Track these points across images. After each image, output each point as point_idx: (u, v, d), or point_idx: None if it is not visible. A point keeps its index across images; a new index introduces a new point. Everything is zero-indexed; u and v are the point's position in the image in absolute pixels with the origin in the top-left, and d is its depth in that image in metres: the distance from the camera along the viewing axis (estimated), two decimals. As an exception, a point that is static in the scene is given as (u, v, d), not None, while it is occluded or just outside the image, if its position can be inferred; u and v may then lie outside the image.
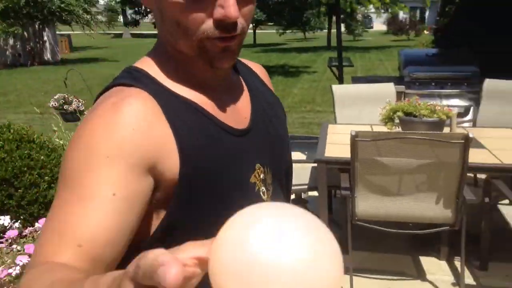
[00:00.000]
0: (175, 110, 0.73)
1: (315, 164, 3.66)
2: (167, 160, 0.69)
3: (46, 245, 0.61)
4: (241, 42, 0.75)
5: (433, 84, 4.93)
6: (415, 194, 2.51)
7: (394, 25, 28.39)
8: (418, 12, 35.26)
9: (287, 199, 0.96)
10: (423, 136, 2.39)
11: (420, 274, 2.85)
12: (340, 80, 4.59)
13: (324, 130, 3.39)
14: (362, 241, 2.68)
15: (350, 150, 2.44)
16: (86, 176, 0.63)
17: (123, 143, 0.65)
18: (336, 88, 3.92)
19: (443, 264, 2.96)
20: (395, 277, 2.81)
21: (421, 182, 2.48)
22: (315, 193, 3.85)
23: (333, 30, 25.26)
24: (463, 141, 2.31)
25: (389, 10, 21.98)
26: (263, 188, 0.83)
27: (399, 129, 2.99)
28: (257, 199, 0.81)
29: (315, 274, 0.36)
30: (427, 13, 37.06)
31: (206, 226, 0.55)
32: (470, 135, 2.28)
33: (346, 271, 2.75)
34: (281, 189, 0.90)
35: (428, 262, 2.97)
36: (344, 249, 2.87)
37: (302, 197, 3.40)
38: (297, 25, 24.73)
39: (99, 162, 0.64)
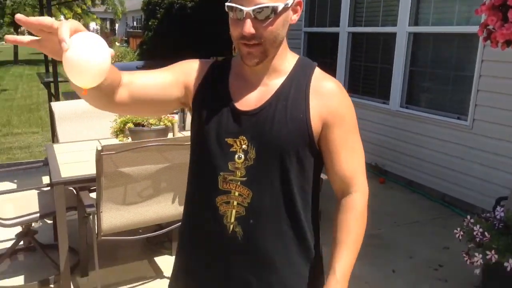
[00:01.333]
0: (213, 78, 1.23)
1: (40, 190, 3.52)
2: (193, 88, 1.23)
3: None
4: (262, 51, 1.11)
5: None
6: (156, 197, 2.74)
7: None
8: (108, 24, 35.81)
9: (273, 177, 1.15)
10: (166, 142, 2.65)
11: (158, 273, 3.10)
12: (57, 97, 4.40)
13: (51, 151, 3.25)
14: (102, 258, 2.70)
15: (96, 165, 2.47)
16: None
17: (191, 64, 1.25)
18: (56, 105, 3.77)
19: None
20: (138, 283, 2.98)
21: (160, 185, 2.73)
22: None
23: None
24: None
25: (81, 21, 21.68)
26: (241, 155, 1.15)
27: (130, 140, 3.16)
28: (229, 155, 1.16)
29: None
30: (117, 25, 38.04)
31: (194, 140, 1.26)
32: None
33: (98, 288, 2.77)
34: (265, 166, 1.15)
35: (163, 261, 3.26)
36: (92, 268, 2.89)
37: (32, 227, 3.17)
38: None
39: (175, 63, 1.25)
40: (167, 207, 2.80)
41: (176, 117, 3.65)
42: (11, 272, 3.11)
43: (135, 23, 40.06)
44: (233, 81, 1.21)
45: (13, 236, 3.50)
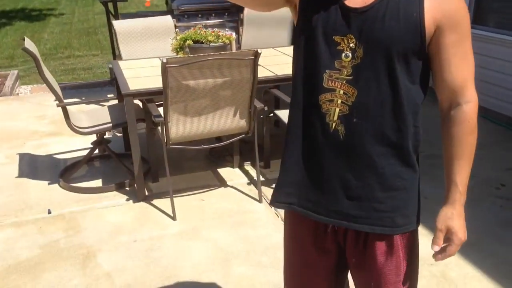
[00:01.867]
0: None
1: (111, 103, 3.71)
2: None
3: None
4: None
5: (199, 16, 5.29)
6: (217, 111, 2.85)
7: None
8: None
9: (381, 77, 1.14)
10: (224, 56, 2.70)
11: (222, 182, 3.29)
12: (116, 16, 4.50)
13: (117, 67, 3.39)
14: (170, 167, 2.90)
15: (162, 77, 2.58)
16: None
17: None
18: (117, 24, 3.87)
19: (237, 170, 3.47)
20: (204, 190, 3.18)
21: (222, 99, 2.82)
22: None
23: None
24: (253, 57, 2.72)
25: None
26: (349, 53, 1.15)
27: (185, 56, 3.22)
28: (335, 53, 1.16)
29: None
30: None
31: (300, 38, 1.22)
32: (259, 51, 2.69)
33: (167, 194, 2.98)
34: (373, 65, 1.14)
35: (225, 172, 3.44)
36: (162, 175, 3.10)
37: (105, 137, 3.39)
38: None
39: None
40: (228, 120, 2.90)
41: (234, 35, 3.66)
42: (89, 176, 3.39)
43: None
44: None
45: (87, 146, 3.79)
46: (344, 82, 1.16)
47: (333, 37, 1.16)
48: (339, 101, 1.17)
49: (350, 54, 1.15)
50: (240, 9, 5.12)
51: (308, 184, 1.29)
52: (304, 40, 1.21)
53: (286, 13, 4.46)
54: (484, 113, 4.32)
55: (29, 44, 3.02)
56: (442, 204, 1.24)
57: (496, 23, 4.32)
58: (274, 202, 1.41)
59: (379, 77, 1.14)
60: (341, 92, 1.17)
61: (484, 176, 3.26)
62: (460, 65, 1.16)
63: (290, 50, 3.98)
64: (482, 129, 4.10)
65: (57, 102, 3.10)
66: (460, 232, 1.23)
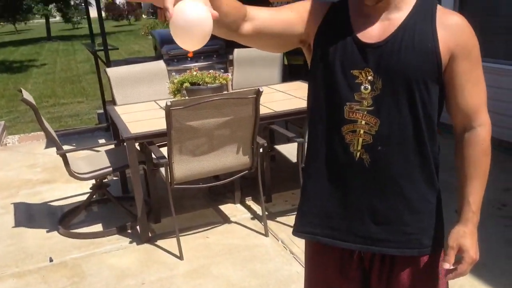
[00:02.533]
0: (334, 15, 1.26)
1: (109, 147, 3.71)
2: (315, 26, 1.27)
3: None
4: None
5: (188, 59, 5.40)
6: (221, 148, 2.87)
7: (113, 11, 28.24)
8: (133, -3, 35.86)
9: (402, 106, 1.19)
10: (226, 96, 2.75)
11: (225, 219, 3.28)
12: (108, 64, 4.56)
13: (114, 113, 3.41)
14: (169, 208, 2.84)
15: (166, 120, 2.60)
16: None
17: (311, 3, 1.29)
18: (111, 71, 3.92)
19: (239, 206, 3.47)
20: (208, 227, 3.16)
21: (225, 137, 2.85)
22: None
23: (52, 19, 23.52)
24: (255, 95, 2.78)
25: (107, -5, 21.81)
26: (368, 85, 1.20)
27: (186, 98, 3.28)
28: (354, 86, 1.20)
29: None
30: (141, -2, 38.06)
31: (316, 73, 1.27)
32: (261, 89, 2.76)
33: (173, 233, 2.96)
34: (394, 96, 1.19)
35: (228, 208, 3.44)
36: (169, 214, 3.07)
37: (104, 181, 3.37)
38: (5, 16, 21.92)
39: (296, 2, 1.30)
40: (231, 158, 2.93)
41: (230, 76, 3.74)
42: (89, 221, 3.34)
43: (159, -5, 39.94)
44: (354, 17, 1.24)
45: (83, 191, 3.75)
46: (366, 112, 1.20)
47: (351, 71, 1.20)
48: (362, 131, 1.21)
49: (369, 86, 1.19)
50: (229, 51, 5.26)
51: (334, 213, 1.31)
52: (322, 74, 1.26)
53: (275, 54, 4.61)
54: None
55: (27, 95, 3.03)
56: (454, 223, 1.27)
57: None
58: (298, 232, 1.41)
59: (400, 105, 1.19)
60: (363, 122, 1.21)
61: (484, 197, 3.32)
62: (473, 91, 1.22)
63: (283, 87, 4.09)
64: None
65: (50, 150, 3.10)
66: (472, 251, 1.24)
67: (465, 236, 1.27)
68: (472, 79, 1.22)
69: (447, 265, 1.23)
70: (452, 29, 1.18)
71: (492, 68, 4.27)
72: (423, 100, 1.19)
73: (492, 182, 3.75)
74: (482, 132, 1.25)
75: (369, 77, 1.19)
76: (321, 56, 1.25)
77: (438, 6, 1.22)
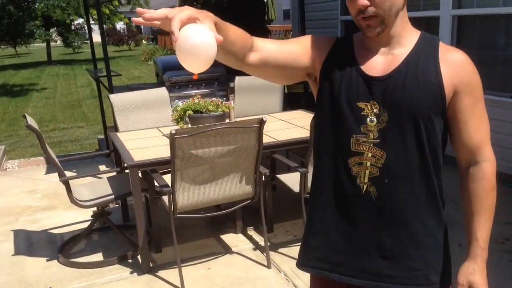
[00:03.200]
0: (339, 49, 1.31)
1: (110, 174, 3.70)
2: (318, 61, 1.31)
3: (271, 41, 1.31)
4: (381, 21, 1.18)
5: (190, 86, 5.44)
6: (224, 177, 2.87)
7: (114, 36, 28.56)
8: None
9: (408, 140, 1.21)
10: (230, 125, 2.77)
11: (227, 249, 3.25)
12: (110, 90, 4.59)
13: (116, 140, 3.42)
14: (170, 237, 2.83)
15: (170, 148, 2.61)
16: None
17: (316, 38, 1.34)
18: (114, 97, 3.94)
19: (241, 236, 3.44)
20: (209, 258, 3.13)
21: (228, 166, 2.85)
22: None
23: (53, 43, 23.75)
24: (258, 124, 2.79)
25: (109, 21, 22.08)
26: (373, 118, 1.21)
27: (189, 126, 3.29)
28: (360, 119, 1.22)
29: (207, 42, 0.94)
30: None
31: (323, 106, 1.29)
32: (264, 119, 2.77)
33: (174, 264, 2.93)
34: (399, 129, 1.20)
35: (229, 238, 3.41)
36: (170, 243, 3.04)
37: (105, 209, 3.35)
38: (6, 40, 22.15)
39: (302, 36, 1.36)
40: (234, 187, 2.92)
41: (233, 104, 3.77)
42: (89, 250, 3.30)
43: (160, 21, 40.52)
44: (359, 51, 1.27)
45: (83, 219, 3.72)
46: (372, 145, 1.22)
47: (357, 104, 1.23)
48: (369, 164, 1.22)
49: (375, 119, 1.21)
50: (230, 78, 5.31)
51: (341, 247, 1.31)
52: (328, 107, 1.28)
53: (277, 81, 4.66)
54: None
55: (31, 120, 3.04)
56: (463, 259, 1.27)
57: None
58: (304, 266, 1.41)
59: (406, 139, 1.20)
60: (370, 155, 1.22)
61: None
62: (476, 126, 1.24)
63: (284, 115, 4.11)
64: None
65: (50, 175, 3.08)
66: None
67: (474, 273, 1.27)
68: (476, 115, 1.23)
69: None
70: (455, 66, 1.20)
71: (490, 101, 4.32)
72: (428, 134, 1.20)
73: (494, 215, 3.77)
74: (487, 167, 1.27)
75: (375, 110, 1.22)
76: (327, 89, 1.28)
77: (440, 43, 1.25)
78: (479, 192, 1.27)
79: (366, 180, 1.23)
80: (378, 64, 1.24)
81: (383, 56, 1.24)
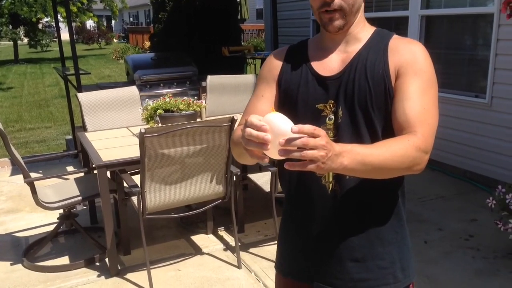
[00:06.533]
0: (292, 56, 1.32)
1: (78, 175, 3.61)
2: (277, 77, 1.32)
3: (241, 117, 1.32)
4: (344, 15, 1.19)
5: (161, 85, 5.37)
6: (194, 177, 2.84)
7: (83, 34, 27.99)
8: (104, 21, 35.73)
9: (362, 132, 1.20)
10: (200, 124, 2.74)
11: (197, 250, 3.21)
12: (79, 89, 4.48)
13: (85, 139, 3.34)
14: (139, 239, 2.76)
15: (139, 147, 2.56)
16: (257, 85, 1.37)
17: (268, 63, 1.36)
18: (82, 96, 3.85)
19: (211, 236, 3.41)
20: (179, 259, 3.09)
21: (199, 166, 2.82)
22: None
23: (20, 42, 23.08)
24: (229, 123, 2.77)
25: (78, 19, 21.62)
26: (331, 116, 1.22)
27: (160, 125, 3.24)
28: (321, 120, 1.22)
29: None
30: (113, 22, 37.95)
31: (285, 109, 1.22)
32: (235, 117, 2.75)
33: (143, 266, 2.88)
34: (353, 123, 1.21)
35: (200, 239, 3.37)
36: (139, 245, 2.98)
37: (72, 210, 3.26)
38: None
39: (259, 80, 1.37)
40: (205, 187, 2.89)
41: (204, 102, 3.74)
42: (55, 254, 3.21)
43: (131, 19, 40.05)
44: (314, 54, 1.29)
45: (49, 221, 3.62)
46: None
47: (316, 106, 1.23)
48: None
49: (333, 117, 1.22)
50: (202, 77, 5.27)
51: (313, 254, 1.31)
52: (288, 114, 1.23)
53: (249, 80, 4.64)
54: (440, 167, 4.56)
55: (-6, 120, 2.94)
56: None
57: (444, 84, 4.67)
58: (279, 270, 1.43)
59: (360, 131, 1.20)
60: None
61: (450, 228, 3.39)
62: (417, 107, 1.14)
63: (256, 115, 4.09)
64: (441, 182, 4.33)
65: (15, 177, 2.98)
66: (335, 148, 0.99)
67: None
68: (418, 97, 1.15)
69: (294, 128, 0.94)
70: (401, 51, 1.20)
71: (456, 100, 4.42)
72: (381, 125, 1.20)
73: (458, 212, 3.89)
74: (416, 137, 1.11)
75: (333, 108, 1.23)
76: (285, 97, 1.30)
77: (396, 36, 1.25)
78: (396, 139, 1.13)
79: (330, 179, 1.23)
80: (334, 63, 1.25)
81: (338, 55, 1.26)
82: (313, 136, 0.93)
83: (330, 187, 1.24)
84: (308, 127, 0.93)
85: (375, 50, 1.23)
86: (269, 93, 1.32)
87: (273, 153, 0.95)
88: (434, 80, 1.20)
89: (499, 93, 4.04)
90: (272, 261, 2.97)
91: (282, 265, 1.41)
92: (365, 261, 1.27)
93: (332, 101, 1.23)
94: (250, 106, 1.34)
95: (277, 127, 0.94)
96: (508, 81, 3.96)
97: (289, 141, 0.92)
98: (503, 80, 4.01)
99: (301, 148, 0.93)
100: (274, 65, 1.34)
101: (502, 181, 3.85)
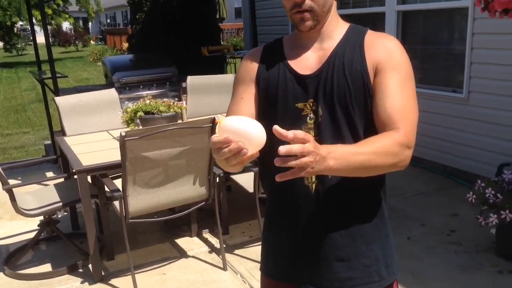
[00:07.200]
0: (268, 55, 1.31)
1: (58, 181, 3.55)
2: (255, 77, 1.31)
3: None
4: (314, 16, 1.21)
5: (141, 87, 5.32)
6: (177, 180, 2.81)
7: (60, 37, 27.54)
8: (81, 23, 35.22)
9: (343, 130, 1.20)
10: (181, 126, 2.71)
11: (182, 253, 3.19)
12: (56, 93, 4.40)
13: (64, 144, 3.28)
14: (123, 244, 2.72)
15: (120, 151, 2.53)
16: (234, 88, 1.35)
17: (244, 65, 1.35)
18: (60, 100, 3.78)
19: (196, 239, 3.39)
20: (164, 263, 3.06)
21: (181, 168, 2.80)
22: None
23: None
24: (211, 124, 2.76)
25: (53, 22, 21.26)
26: (312, 115, 1.22)
27: (141, 128, 3.20)
28: (301, 119, 1.22)
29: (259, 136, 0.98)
30: (90, 24, 37.45)
31: (266, 119, 1.20)
32: (217, 118, 2.73)
33: (128, 271, 2.85)
34: (334, 121, 1.21)
35: (184, 242, 3.35)
36: (123, 250, 2.94)
37: (53, 217, 3.20)
38: None
39: (237, 82, 1.35)
40: (188, 189, 2.87)
41: (185, 104, 3.71)
42: (37, 261, 3.15)
43: (108, 20, 39.57)
44: (290, 52, 1.28)
45: (30, 229, 3.55)
46: None
47: (296, 105, 1.23)
48: None
49: (313, 116, 1.22)
50: (182, 78, 5.23)
51: (299, 254, 1.31)
52: (268, 114, 1.26)
53: (229, 79, 4.62)
54: (420, 164, 4.61)
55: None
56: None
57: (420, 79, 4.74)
58: (264, 273, 1.43)
59: (341, 129, 1.21)
60: None
61: (433, 223, 3.43)
62: (398, 103, 1.15)
63: (237, 115, 4.08)
64: (422, 178, 4.36)
65: None
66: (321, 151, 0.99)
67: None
68: (398, 93, 1.16)
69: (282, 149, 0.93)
70: (377, 47, 1.21)
71: (433, 95, 4.48)
72: (361, 121, 1.20)
73: (439, 208, 3.94)
74: (398, 134, 1.12)
75: (314, 107, 1.22)
76: (265, 96, 1.29)
77: (370, 32, 1.27)
78: (380, 136, 1.14)
79: (313, 179, 1.23)
80: (311, 61, 1.25)
81: (314, 53, 1.26)
82: (303, 142, 0.94)
83: (313, 187, 1.24)
84: (301, 133, 0.94)
85: (351, 47, 1.24)
86: (248, 94, 1.31)
87: (252, 149, 0.99)
88: (412, 74, 1.22)
89: (476, 87, 4.10)
90: (257, 262, 2.97)
91: (267, 267, 1.41)
92: (350, 260, 1.27)
93: (312, 99, 1.22)
94: (231, 111, 1.32)
95: (237, 127, 0.99)
96: (484, 75, 4.03)
97: (288, 151, 0.93)
98: (479, 74, 4.07)
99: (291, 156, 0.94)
100: (251, 65, 1.33)
101: (482, 175, 3.92)
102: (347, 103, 1.20)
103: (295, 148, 0.93)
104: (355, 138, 1.20)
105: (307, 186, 1.24)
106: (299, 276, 1.32)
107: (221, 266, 2.97)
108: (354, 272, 1.27)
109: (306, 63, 1.25)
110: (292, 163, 0.94)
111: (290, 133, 0.93)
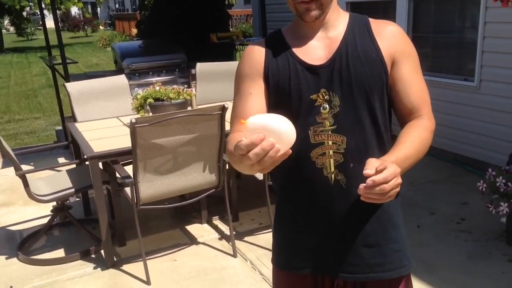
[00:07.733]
0: (273, 49, 1.28)
1: (70, 167, 3.59)
2: (262, 72, 1.28)
3: (232, 123, 1.29)
4: (320, 5, 1.20)
5: (150, 73, 5.32)
6: (188, 166, 2.83)
7: (69, 22, 27.54)
8: (90, 8, 35.15)
9: (363, 118, 1.22)
10: (191, 113, 2.72)
11: (192, 240, 3.23)
12: (67, 78, 4.42)
13: (75, 130, 3.31)
14: (134, 230, 2.76)
15: (130, 137, 2.54)
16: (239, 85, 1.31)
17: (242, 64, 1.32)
18: (71, 85, 3.80)
19: (206, 226, 3.43)
20: (175, 249, 3.10)
21: (191, 155, 2.81)
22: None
23: (5, 31, 22.69)
24: (220, 111, 2.76)
25: (62, 6, 21.25)
26: (326, 105, 1.22)
27: (151, 114, 3.22)
28: (314, 110, 1.22)
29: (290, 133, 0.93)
30: (99, 9, 37.38)
31: (277, 108, 1.19)
32: (226, 105, 2.74)
33: (139, 257, 2.89)
34: (353, 109, 1.22)
35: (194, 229, 3.38)
36: (134, 236, 2.98)
37: (66, 203, 3.25)
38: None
39: (241, 79, 1.31)
40: (198, 176, 2.89)
41: (194, 91, 3.71)
42: (50, 247, 3.20)
43: (117, 5, 39.46)
44: (294, 44, 1.27)
45: (43, 214, 3.60)
46: (330, 132, 1.21)
47: (310, 96, 1.22)
48: (331, 152, 1.21)
49: (327, 106, 1.22)
50: (191, 65, 5.23)
51: (321, 245, 1.29)
52: (282, 107, 1.23)
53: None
54: (431, 152, 4.58)
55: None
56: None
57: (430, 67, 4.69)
58: (285, 268, 1.38)
59: (361, 117, 1.22)
60: (330, 142, 1.21)
61: (443, 211, 3.43)
62: (417, 91, 1.26)
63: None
64: (432, 166, 4.34)
65: (6, 170, 2.96)
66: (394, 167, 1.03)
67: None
68: (415, 81, 1.26)
69: (369, 171, 0.99)
70: (390, 37, 1.24)
71: (445, 83, 4.43)
72: (380, 112, 1.23)
73: (449, 196, 3.92)
74: (425, 120, 1.26)
75: (326, 97, 1.22)
76: (276, 92, 1.27)
77: (370, 19, 1.29)
78: (410, 130, 1.23)
79: (332, 169, 1.22)
80: (318, 51, 1.25)
81: (320, 42, 1.26)
82: (382, 170, 1.00)
83: (333, 177, 1.23)
84: (378, 164, 1.00)
85: (360, 35, 1.25)
86: (257, 89, 1.27)
87: (284, 147, 0.91)
88: (418, 59, 1.29)
89: (488, 76, 4.06)
90: (267, 249, 2.99)
91: (282, 260, 1.38)
92: (380, 245, 1.27)
93: (324, 89, 1.22)
94: (239, 108, 1.28)
95: (266, 124, 0.91)
96: (496, 64, 3.98)
97: (372, 186, 0.98)
98: (491, 63, 4.02)
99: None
100: (256, 60, 1.29)
101: (492, 164, 3.89)
102: (366, 90, 1.21)
103: (377, 179, 0.98)
104: (374, 124, 1.23)
105: (326, 176, 1.23)
106: (322, 266, 1.30)
107: (231, 253, 3.00)
108: (385, 257, 1.27)
109: (315, 53, 1.25)
110: (377, 189, 0.99)
111: (372, 172, 0.98)
